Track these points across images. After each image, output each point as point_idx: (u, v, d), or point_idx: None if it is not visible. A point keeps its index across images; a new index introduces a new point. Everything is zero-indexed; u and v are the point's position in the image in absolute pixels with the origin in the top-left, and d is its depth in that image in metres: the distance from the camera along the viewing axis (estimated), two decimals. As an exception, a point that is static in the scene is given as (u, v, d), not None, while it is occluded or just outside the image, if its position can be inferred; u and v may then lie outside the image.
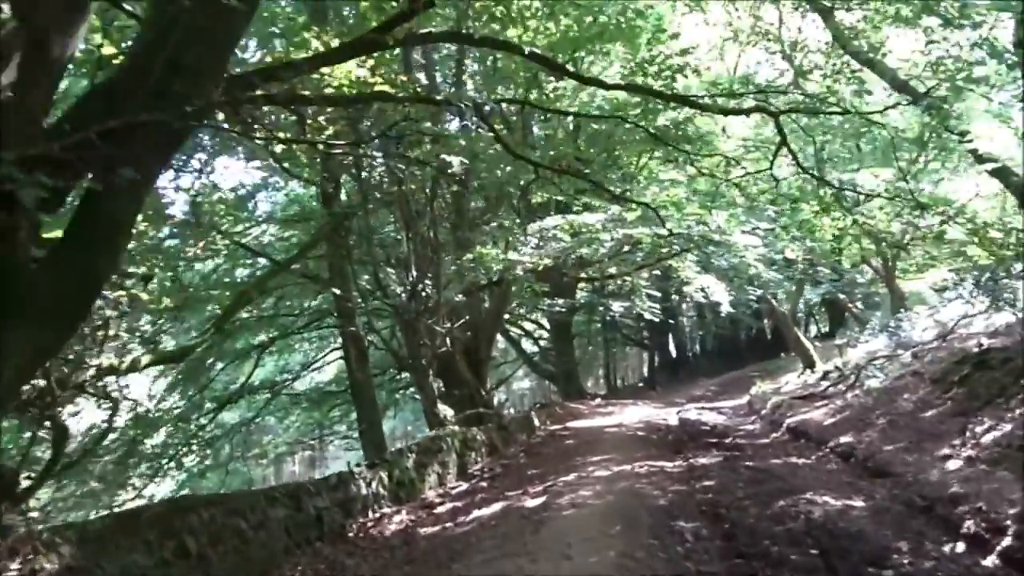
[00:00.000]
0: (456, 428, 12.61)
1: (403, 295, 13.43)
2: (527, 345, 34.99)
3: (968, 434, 7.61)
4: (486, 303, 21.65)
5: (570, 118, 14.06)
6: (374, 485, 9.30)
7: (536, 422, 17.05)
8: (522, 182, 10.23)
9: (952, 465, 7.00)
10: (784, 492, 7.27)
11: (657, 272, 21.87)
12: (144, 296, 8.33)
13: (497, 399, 44.93)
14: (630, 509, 7.23)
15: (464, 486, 10.78)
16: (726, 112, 8.35)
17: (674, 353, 42.50)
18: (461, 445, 12.13)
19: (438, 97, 7.57)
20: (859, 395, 12.60)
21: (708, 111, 8.25)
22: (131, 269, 9.14)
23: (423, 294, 13.06)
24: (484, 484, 10.65)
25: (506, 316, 26.23)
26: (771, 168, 9.65)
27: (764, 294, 19.19)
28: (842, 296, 25.44)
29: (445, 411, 13.06)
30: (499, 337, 32.28)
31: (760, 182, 11.02)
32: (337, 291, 14.89)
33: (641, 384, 38.54)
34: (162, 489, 16.96)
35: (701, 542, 6.06)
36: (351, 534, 8.24)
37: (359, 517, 8.68)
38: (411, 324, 12.86)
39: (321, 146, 6.85)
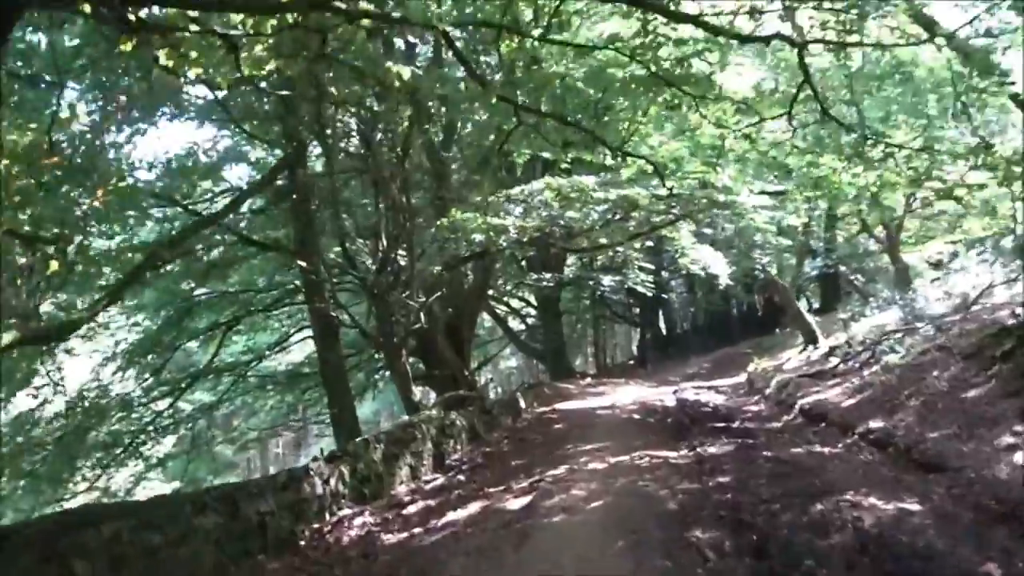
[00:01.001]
0: (432, 413, 11.32)
1: (373, 267, 12.09)
2: (514, 323, 33.69)
3: (1033, 419, 6.40)
4: (469, 278, 20.43)
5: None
6: (332, 482, 8.00)
7: (522, 404, 15.80)
8: (504, 127, 8.84)
9: (1022, 458, 5.78)
10: (818, 491, 6.03)
11: (650, 243, 20.58)
12: (55, 264, 6.99)
13: (483, 379, 43.87)
14: (634, 515, 5.97)
15: (440, 480, 9.51)
16: (743, 39, 7.05)
17: (664, 330, 41.30)
18: (438, 432, 10.85)
19: (396, 15, 6.23)
20: (877, 372, 11.41)
21: (721, 35, 6.93)
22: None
23: (395, 265, 11.72)
24: (462, 478, 9.39)
25: (491, 292, 24.95)
26: (790, 111, 8.32)
27: (764, 266, 17.89)
28: (843, 268, 24.25)
29: (422, 394, 11.76)
30: (484, 314, 31.14)
31: (772, 134, 9.71)
32: (303, 264, 13.57)
33: (631, 362, 37.41)
34: (117, 480, 15.66)
35: (726, 560, 4.83)
36: (302, 543, 6.95)
37: (313, 522, 7.39)
38: (382, 299, 11.53)
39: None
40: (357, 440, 9.22)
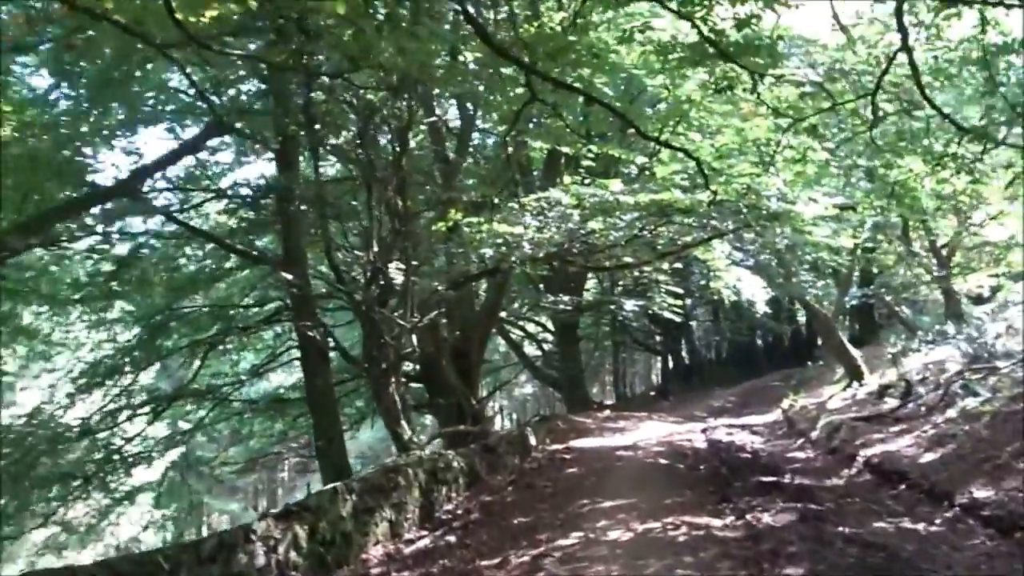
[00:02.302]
0: (423, 454, 9.57)
1: (362, 279, 10.44)
2: (529, 348, 31.84)
3: None
4: (480, 298, 18.80)
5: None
6: (282, 549, 6.27)
7: (532, 441, 13.99)
8: (513, 108, 7.15)
9: None
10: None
11: (678, 264, 18.80)
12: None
13: (496, 406, 41.92)
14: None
15: (425, 540, 7.74)
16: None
17: (687, 359, 39.29)
18: (428, 477, 9.09)
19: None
20: (956, 420, 9.55)
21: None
22: None
23: (387, 278, 10.05)
24: (452, 539, 7.62)
25: (505, 315, 23.23)
26: (875, 93, 6.58)
27: (812, 290, 16.00)
28: (888, 297, 22.27)
29: (432, 423, 10.04)
30: (499, 338, 29.35)
31: (838, 129, 7.98)
32: (287, 277, 11.96)
33: (652, 393, 35.39)
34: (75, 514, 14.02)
35: None
36: (226, 638, 5.23)
37: (248, 604, 5.67)
38: (369, 316, 9.84)
39: None
40: (323, 489, 7.49)
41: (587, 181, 10.00)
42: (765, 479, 8.78)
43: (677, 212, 9.69)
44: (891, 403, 13.08)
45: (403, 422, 9.93)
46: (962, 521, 6.02)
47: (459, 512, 8.93)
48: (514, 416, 44.25)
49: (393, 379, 9.96)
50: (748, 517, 6.71)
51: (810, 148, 8.07)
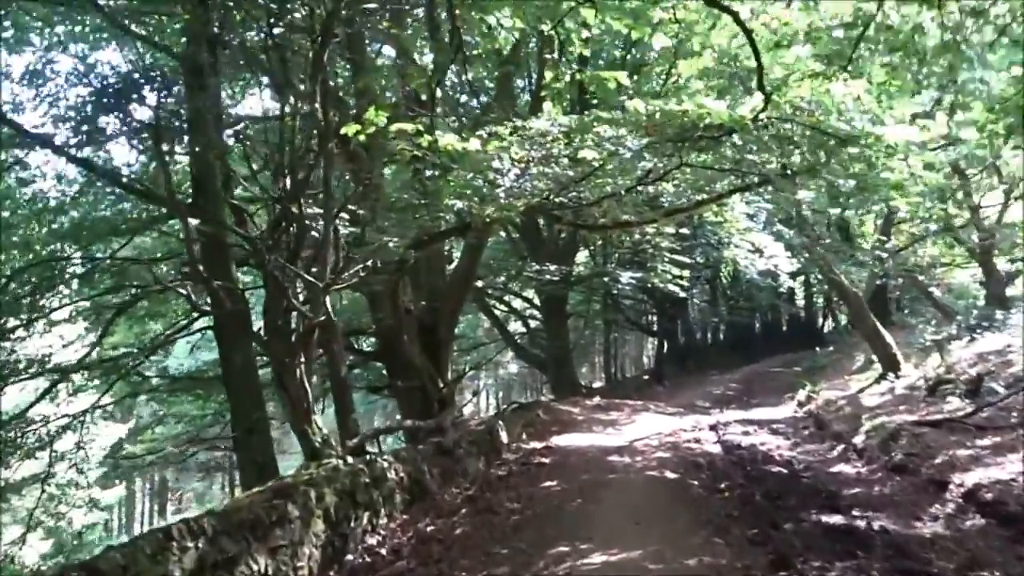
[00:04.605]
0: (341, 463, 6.80)
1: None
2: (516, 326, 29.10)
3: None
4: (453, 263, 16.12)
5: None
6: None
7: (504, 437, 11.28)
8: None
9: None
10: None
11: (685, 230, 15.99)
12: None
13: (480, 384, 39.19)
14: None
15: (314, 611, 5.01)
16: None
17: (682, 341, 36.55)
18: (341, 500, 6.33)
19: None
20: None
21: None
22: None
23: (299, 220, 7.22)
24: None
25: (483, 285, 20.44)
26: None
27: (830, 271, 13.21)
28: (921, 277, 19.57)
29: (322, 430, 7.22)
30: (481, 314, 26.59)
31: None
32: (193, 222, 9.13)
33: (646, 377, 32.71)
34: None
35: None
36: None
37: None
38: (270, 273, 7.02)
39: None
40: (138, 537, 4.70)
41: (580, 76, 7.12)
42: (827, 519, 6.04)
43: (705, 137, 6.85)
44: (954, 403, 10.43)
45: (315, 418, 7.12)
46: None
47: (382, 553, 6.20)
48: (499, 396, 41.60)
49: (303, 358, 7.15)
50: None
51: (919, 30, 5.24)
